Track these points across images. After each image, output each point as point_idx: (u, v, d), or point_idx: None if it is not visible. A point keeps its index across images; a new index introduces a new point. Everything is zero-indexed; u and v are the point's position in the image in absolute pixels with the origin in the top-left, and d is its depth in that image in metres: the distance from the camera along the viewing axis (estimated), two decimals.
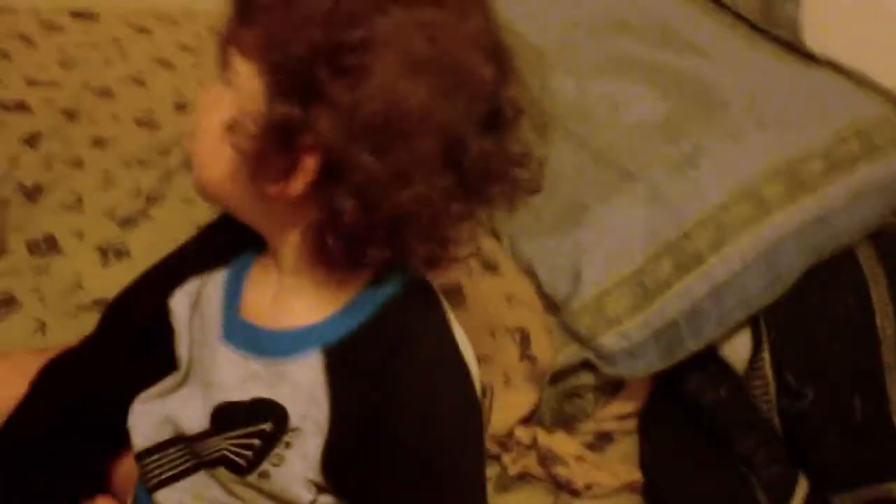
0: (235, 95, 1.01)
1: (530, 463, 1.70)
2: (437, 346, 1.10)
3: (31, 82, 2.43)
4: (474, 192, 1.02)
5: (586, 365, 1.81)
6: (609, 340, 1.78)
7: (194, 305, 1.21)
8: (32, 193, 2.03)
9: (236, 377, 1.11)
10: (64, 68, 2.53)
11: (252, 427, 1.10)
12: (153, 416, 1.21)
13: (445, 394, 1.09)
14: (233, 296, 1.17)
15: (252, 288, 1.16)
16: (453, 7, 0.97)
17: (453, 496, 1.09)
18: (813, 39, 2.32)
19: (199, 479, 1.19)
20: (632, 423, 1.89)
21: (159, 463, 1.21)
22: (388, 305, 1.08)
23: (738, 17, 2.34)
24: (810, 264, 1.82)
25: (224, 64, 1.03)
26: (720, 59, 2.18)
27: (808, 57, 2.19)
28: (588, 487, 1.68)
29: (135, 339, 1.30)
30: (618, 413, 1.87)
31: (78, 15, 2.80)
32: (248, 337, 1.12)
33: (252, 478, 1.11)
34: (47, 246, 1.90)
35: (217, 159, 1.03)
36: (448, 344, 1.11)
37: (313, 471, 1.07)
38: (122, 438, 1.26)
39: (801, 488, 1.75)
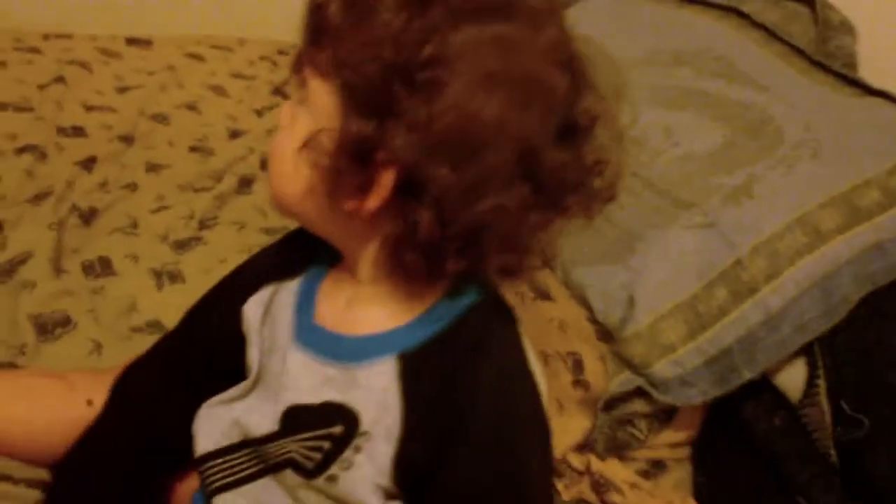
0: (311, 114, 1.02)
1: (584, 489, 1.69)
2: (511, 358, 1.10)
3: (89, 107, 2.47)
4: (550, 203, 1.01)
5: (639, 392, 1.79)
6: (663, 368, 1.77)
7: (266, 313, 1.21)
8: (88, 216, 2.06)
9: (309, 380, 1.12)
10: (120, 94, 2.57)
11: (322, 429, 1.10)
12: (220, 420, 1.22)
13: (518, 404, 1.09)
14: (306, 303, 1.17)
15: (326, 296, 1.16)
16: (526, 20, 0.96)
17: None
18: (869, 71, 2.31)
19: (262, 485, 1.19)
20: (685, 451, 1.88)
21: (222, 467, 1.21)
22: (465, 316, 1.08)
23: (794, 49, 2.33)
24: (866, 293, 1.80)
25: (299, 84, 1.04)
26: (775, 89, 2.18)
27: (864, 88, 2.18)
28: None
29: (208, 347, 1.29)
30: (671, 441, 1.86)
31: (134, 42, 2.85)
32: (322, 342, 1.12)
33: (319, 481, 1.11)
34: (102, 268, 1.92)
35: (294, 176, 1.04)
36: (521, 357, 1.11)
37: (382, 476, 1.07)
38: (186, 456, 1.27)
39: None
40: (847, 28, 2.42)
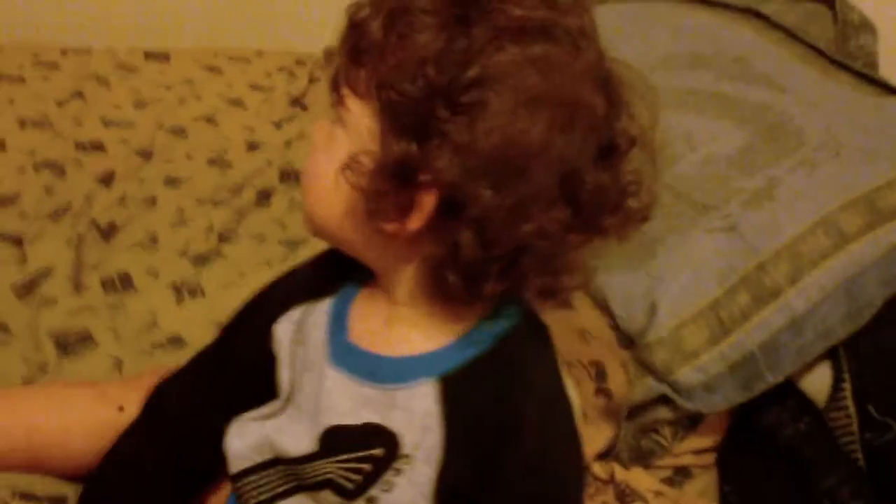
0: (350, 135, 1.01)
1: (608, 499, 1.68)
2: (551, 384, 1.11)
3: (107, 123, 2.47)
4: (589, 224, 1.01)
5: (663, 399, 1.78)
6: (686, 374, 1.76)
7: (297, 333, 1.20)
8: (107, 232, 2.06)
9: (348, 401, 1.11)
10: (138, 109, 2.57)
11: (362, 451, 1.09)
12: (251, 437, 1.22)
13: (559, 430, 1.10)
14: (340, 323, 1.16)
15: (359, 315, 1.16)
16: (566, 41, 0.96)
17: None
18: (890, 70, 2.30)
19: (299, 502, 1.18)
20: (710, 458, 1.86)
21: (258, 483, 1.21)
22: (505, 339, 1.07)
23: (814, 49, 2.31)
24: (891, 295, 1.78)
25: (336, 103, 1.04)
26: (796, 91, 2.16)
27: (886, 87, 2.16)
28: None
29: (240, 365, 1.29)
30: (696, 447, 1.84)
31: (152, 56, 2.84)
32: (360, 362, 1.12)
33: (359, 503, 1.11)
34: (122, 284, 1.92)
35: (332, 198, 1.03)
36: (559, 381, 1.12)
37: (423, 498, 1.07)
38: (216, 471, 1.28)
39: None
40: (867, 27, 2.40)
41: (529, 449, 1.05)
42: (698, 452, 1.85)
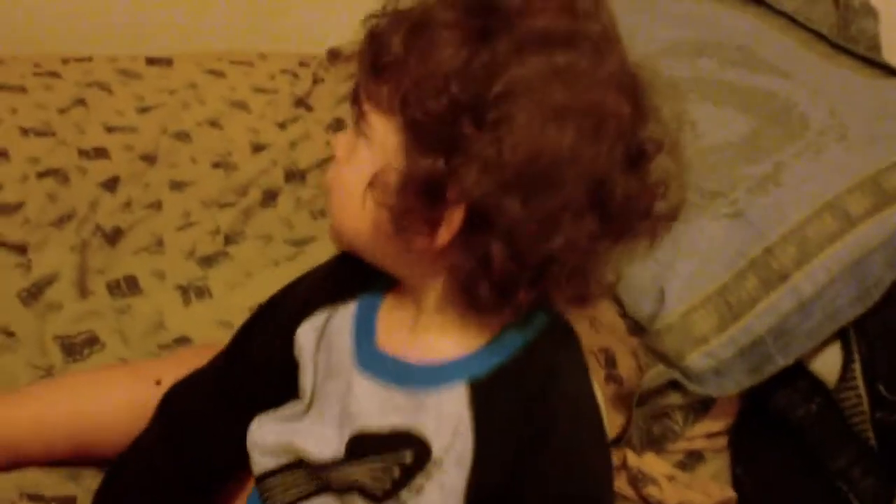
0: (373, 150, 1.01)
1: (621, 484, 1.68)
2: (581, 387, 1.10)
3: (110, 129, 2.46)
4: (619, 230, 1.00)
5: (674, 384, 1.78)
6: (696, 360, 1.76)
7: (320, 338, 1.19)
8: (112, 236, 2.05)
9: (377, 406, 1.10)
10: (141, 114, 2.56)
11: (392, 456, 1.09)
12: (271, 438, 1.21)
13: (590, 435, 1.09)
14: (366, 328, 1.15)
15: (386, 321, 1.15)
16: (589, 49, 0.95)
17: None
18: (893, 54, 2.29)
19: (325, 501, 1.18)
20: (722, 441, 1.85)
21: (282, 484, 1.20)
22: (535, 343, 1.07)
23: (816, 34, 2.31)
24: None
25: (358, 116, 1.03)
26: (799, 76, 2.16)
27: (888, 70, 2.16)
28: None
29: (258, 370, 1.28)
30: (707, 431, 1.84)
31: (154, 62, 2.84)
32: (388, 368, 1.11)
33: None
34: (128, 287, 1.92)
35: (358, 213, 1.02)
36: (589, 385, 1.11)
37: (454, 502, 1.06)
38: (233, 473, 1.30)
39: None
40: (868, 11, 2.40)
41: (559, 453, 1.04)
42: (710, 436, 1.84)
